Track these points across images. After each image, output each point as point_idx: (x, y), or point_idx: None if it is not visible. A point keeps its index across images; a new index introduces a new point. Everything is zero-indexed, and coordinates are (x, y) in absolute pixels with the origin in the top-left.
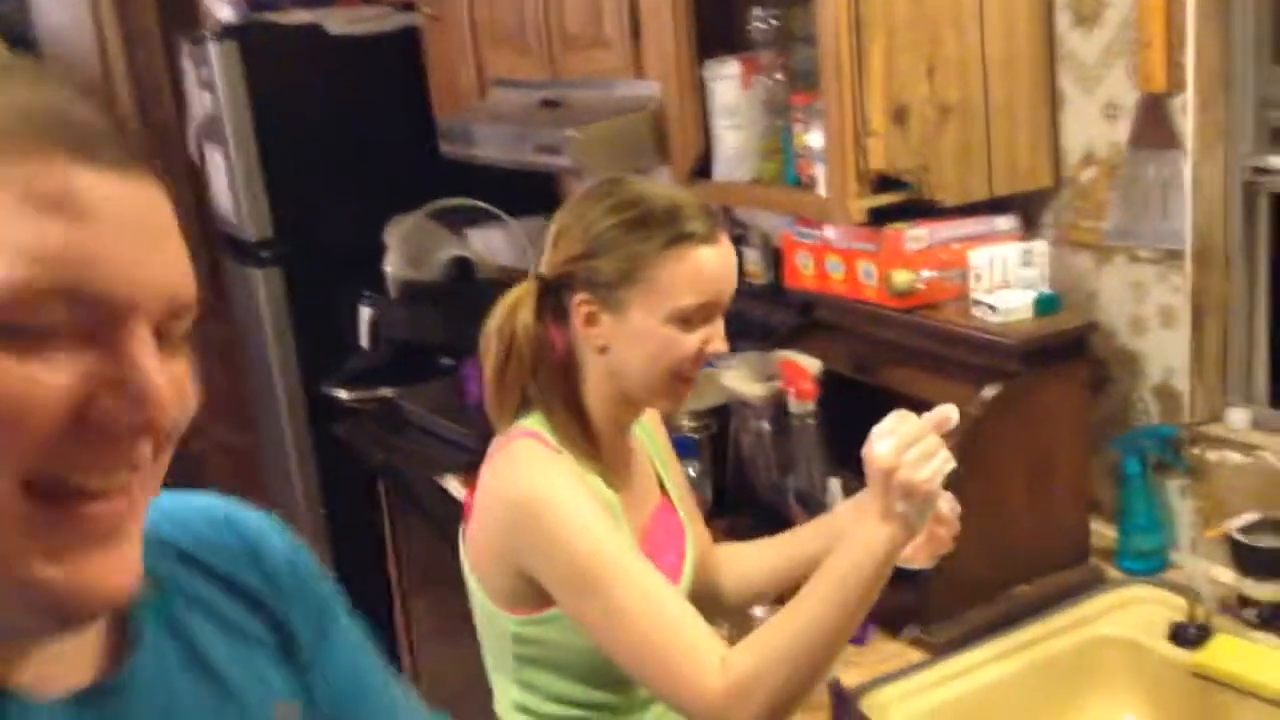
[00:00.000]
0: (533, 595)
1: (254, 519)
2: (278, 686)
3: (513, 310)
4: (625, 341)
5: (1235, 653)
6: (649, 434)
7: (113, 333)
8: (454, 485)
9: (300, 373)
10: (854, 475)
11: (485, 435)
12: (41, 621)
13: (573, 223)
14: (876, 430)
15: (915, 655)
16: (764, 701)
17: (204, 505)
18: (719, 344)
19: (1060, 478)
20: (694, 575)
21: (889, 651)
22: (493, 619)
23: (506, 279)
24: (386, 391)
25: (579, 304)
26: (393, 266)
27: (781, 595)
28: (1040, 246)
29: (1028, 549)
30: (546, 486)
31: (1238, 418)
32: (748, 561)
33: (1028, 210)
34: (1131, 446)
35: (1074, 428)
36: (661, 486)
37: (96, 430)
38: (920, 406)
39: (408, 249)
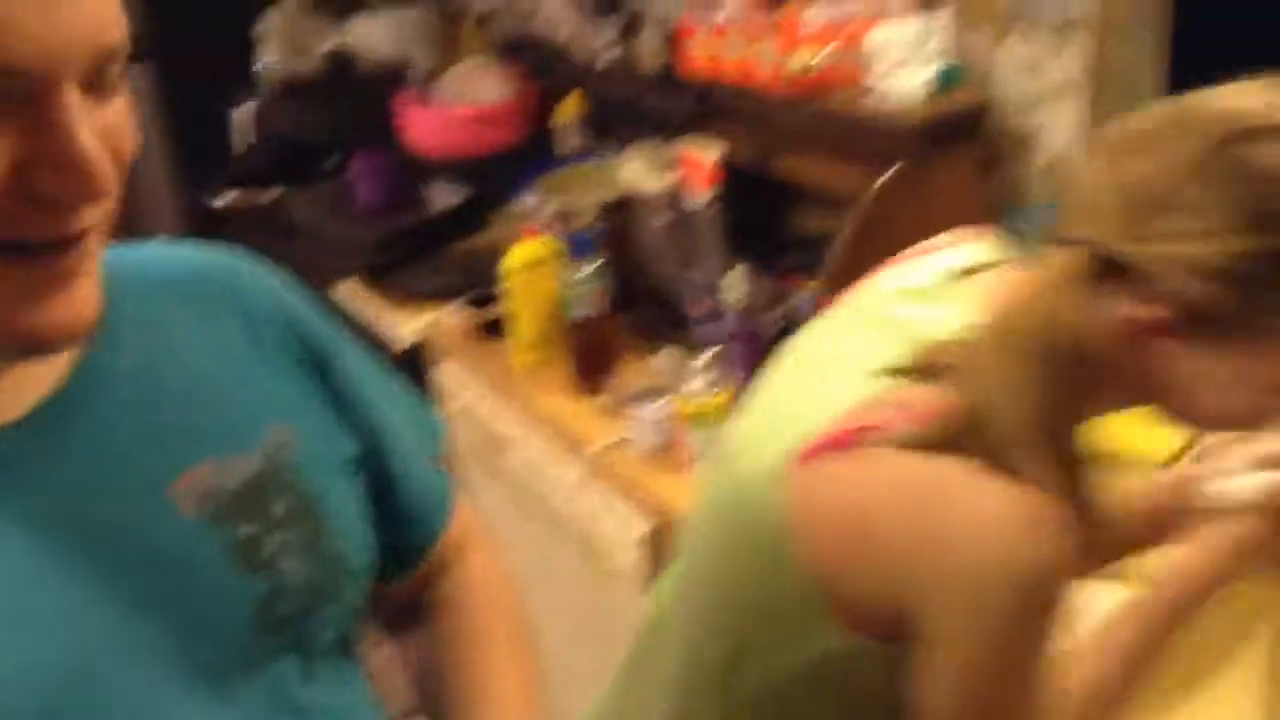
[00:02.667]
0: (887, 622)
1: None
2: (274, 407)
3: (1053, 311)
4: (1204, 382)
5: (1114, 424)
6: None
7: (39, 103)
8: (347, 290)
9: (182, 178)
10: (752, 265)
11: (381, 238)
12: (19, 354)
13: (1167, 191)
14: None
15: None
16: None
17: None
18: None
19: None
20: None
21: None
22: (796, 616)
23: (389, 72)
24: (271, 194)
25: (1148, 311)
26: (269, 60)
27: None
28: (937, 24)
29: None
30: (1032, 569)
31: None
32: None
33: None
34: (1022, 223)
35: (966, 209)
36: None
37: (44, 200)
38: (822, 196)
39: (284, 41)
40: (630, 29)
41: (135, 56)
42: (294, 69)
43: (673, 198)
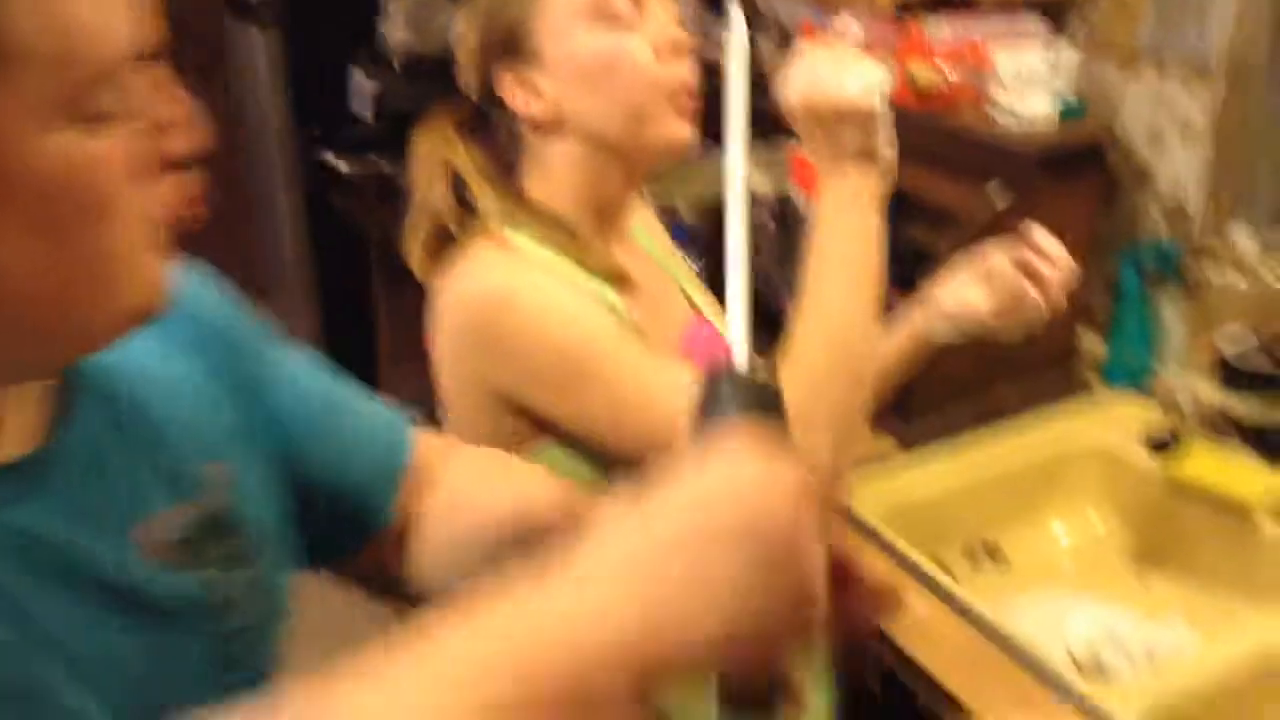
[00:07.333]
0: (524, 427)
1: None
2: (210, 443)
3: (442, 151)
4: (571, 87)
5: (1210, 465)
6: (652, 243)
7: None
8: None
9: (297, 137)
10: None
11: None
12: (131, 327)
13: (460, 23)
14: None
15: (890, 447)
16: (826, 427)
17: None
18: (674, 31)
19: None
20: None
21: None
22: None
23: None
24: (384, 165)
25: (511, 86)
26: (393, 33)
27: None
28: (1067, 53)
29: (1012, 347)
30: (506, 277)
31: (1243, 237)
32: None
33: (1059, 12)
34: (1133, 260)
35: (1078, 236)
36: (690, 302)
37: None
38: (933, 211)
39: (408, 15)
40: (748, 27)
41: (263, 21)
42: (416, 46)
43: (779, 200)
